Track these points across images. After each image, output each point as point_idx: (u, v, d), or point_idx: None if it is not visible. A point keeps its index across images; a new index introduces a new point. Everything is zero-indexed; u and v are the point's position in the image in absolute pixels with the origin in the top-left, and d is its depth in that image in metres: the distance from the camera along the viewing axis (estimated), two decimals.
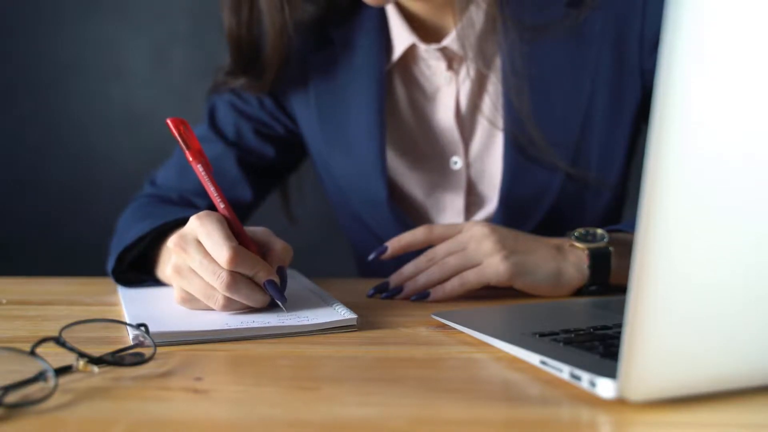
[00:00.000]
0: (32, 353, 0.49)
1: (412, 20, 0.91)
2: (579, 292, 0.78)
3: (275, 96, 0.99)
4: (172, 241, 0.67)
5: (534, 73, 0.87)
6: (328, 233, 1.48)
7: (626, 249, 0.77)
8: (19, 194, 1.67)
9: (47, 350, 0.50)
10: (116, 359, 0.54)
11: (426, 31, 0.91)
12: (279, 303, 0.66)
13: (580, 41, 0.88)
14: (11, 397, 0.45)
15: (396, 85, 0.95)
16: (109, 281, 0.82)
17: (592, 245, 0.77)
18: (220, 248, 0.64)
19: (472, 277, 0.76)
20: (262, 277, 0.66)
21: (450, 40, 0.89)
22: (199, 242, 0.66)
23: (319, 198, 1.15)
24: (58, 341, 0.52)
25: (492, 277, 0.75)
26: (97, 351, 0.53)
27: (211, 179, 0.68)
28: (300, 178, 1.11)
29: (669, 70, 0.38)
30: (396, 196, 0.96)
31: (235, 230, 0.67)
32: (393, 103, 0.95)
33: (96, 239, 1.26)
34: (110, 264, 0.81)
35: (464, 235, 0.78)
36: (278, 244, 0.70)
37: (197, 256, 0.65)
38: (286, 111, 1.00)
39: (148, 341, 0.58)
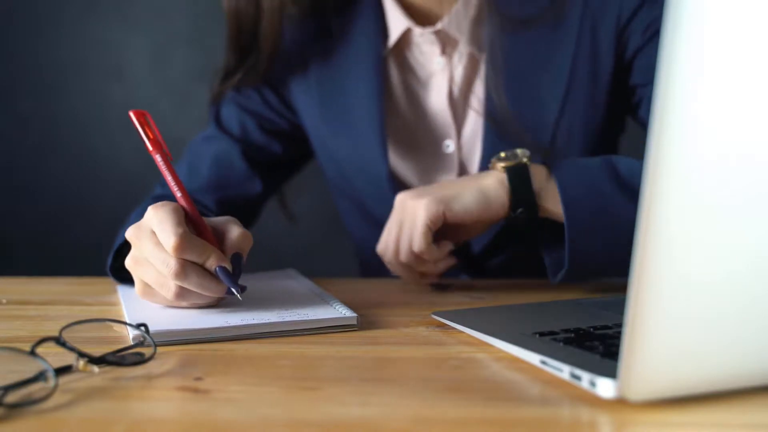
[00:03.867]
0: (32, 353, 0.49)
1: (407, 7, 0.94)
2: (509, 220, 0.78)
3: (277, 89, 1.00)
4: (129, 232, 0.68)
5: (514, 62, 0.90)
6: (328, 233, 1.48)
7: (560, 173, 0.77)
8: (19, 194, 1.67)
9: (47, 350, 0.50)
10: (116, 359, 0.54)
11: (420, 17, 0.94)
12: (233, 290, 0.65)
13: (559, 27, 0.90)
14: (11, 397, 0.45)
15: (392, 71, 0.97)
16: (109, 281, 0.83)
17: (510, 163, 0.78)
18: (168, 236, 0.63)
19: (416, 236, 0.77)
20: (212, 263, 0.65)
21: (445, 23, 0.91)
22: (152, 232, 0.66)
23: (319, 198, 1.15)
24: (58, 341, 0.52)
25: (428, 217, 0.76)
26: (97, 351, 0.53)
27: (169, 168, 0.69)
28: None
29: (669, 70, 0.38)
30: (393, 178, 0.98)
31: (192, 219, 0.67)
32: (389, 89, 0.97)
33: (96, 239, 1.26)
34: (108, 261, 0.81)
35: (392, 217, 0.81)
36: (235, 231, 0.68)
37: (149, 245, 0.65)
38: (289, 104, 1.01)
39: (148, 341, 0.58)
